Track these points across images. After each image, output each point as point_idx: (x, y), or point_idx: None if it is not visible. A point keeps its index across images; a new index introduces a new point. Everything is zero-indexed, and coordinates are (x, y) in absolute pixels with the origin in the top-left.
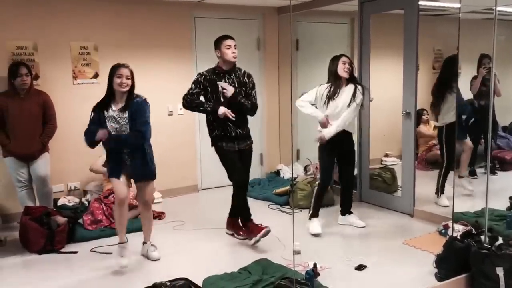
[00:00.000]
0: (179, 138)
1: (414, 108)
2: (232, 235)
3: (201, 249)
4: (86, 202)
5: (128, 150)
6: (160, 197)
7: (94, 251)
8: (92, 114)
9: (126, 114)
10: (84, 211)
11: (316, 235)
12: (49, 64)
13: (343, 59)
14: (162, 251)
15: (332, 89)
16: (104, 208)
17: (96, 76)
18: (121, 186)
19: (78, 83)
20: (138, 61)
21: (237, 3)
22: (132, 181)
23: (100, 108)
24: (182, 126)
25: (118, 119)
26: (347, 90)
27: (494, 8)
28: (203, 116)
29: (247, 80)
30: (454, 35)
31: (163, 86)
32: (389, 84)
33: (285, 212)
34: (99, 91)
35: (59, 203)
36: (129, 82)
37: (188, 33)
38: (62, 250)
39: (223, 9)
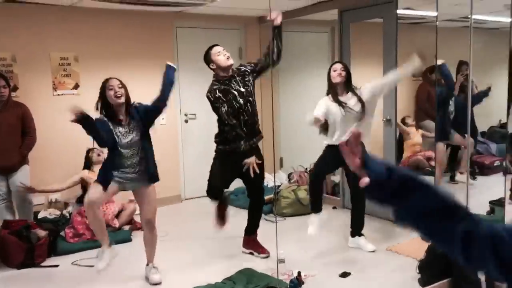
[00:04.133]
0: (162, 147)
1: (394, 115)
2: (251, 253)
3: (185, 260)
4: (67, 215)
5: (137, 157)
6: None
7: (76, 264)
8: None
9: (133, 123)
10: (66, 224)
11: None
12: (28, 75)
13: (334, 66)
14: (144, 263)
15: (334, 98)
16: (86, 221)
17: (76, 87)
18: (99, 190)
19: (58, 94)
20: (120, 72)
21: (218, 13)
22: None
23: (106, 118)
24: (164, 136)
25: (126, 131)
26: (353, 100)
27: (470, 16)
28: (185, 125)
29: (246, 68)
30: (432, 43)
31: (145, 96)
32: None
33: (269, 220)
34: (79, 102)
35: (40, 216)
36: (123, 90)
37: (170, 43)
38: (43, 264)
39: (205, 19)
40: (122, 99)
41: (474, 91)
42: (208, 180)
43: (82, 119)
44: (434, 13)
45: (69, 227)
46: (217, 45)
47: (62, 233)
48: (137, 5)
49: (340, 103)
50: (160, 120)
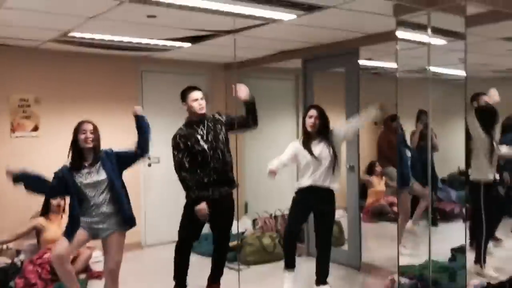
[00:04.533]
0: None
1: (357, 162)
2: None
3: None
4: (19, 263)
5: (107, 200)
6: (100, 255)
7: None
8: (56, 173)
9: (97, 165)
10: (16, 273)
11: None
12: None
13: (310, 112)
14: None
15: (304, 144)
16: (39, 270)
17: (36, 129)
18: (65, 243)
19: (16, 136)
20: (83, 115)
21: (184, 58)
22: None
23: (70, 168)
24: (126, 180)
25: (88, 172)
26: (319, 147)
27: (427, 68)
28: (148, 169)
29: (220, 117)
30: (393, 92)
31: (107, 141)
32: None
33: (232, 268)
34: (39, 144)
35: None
36: (93, 136)
37: (135, 87)
38: None
39: (171, 64)
40: (91, 144)
41: (434, 139)
42: (178, 231)
43: (18, 179)
44: (394, 65)
45: (20, 276)
46: (198, 89)
47: (11, 283)
48: (102, 48)
49: (309, 151)
50: None
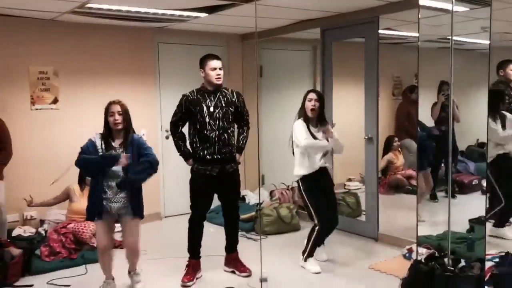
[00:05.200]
0: None
1: (376, 133)
2: (233, 272)
3: (165, 279)
4: (43, 232)
5: (120, 182)
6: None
7: (51, 284)
8: (88, 142)
9: (128, 151)
10: (41, 242)
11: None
12: (5, 89)
13: (310, 95)
14: (124, 281)
15: (306, 127)
16: (63, 239)
17: (55, 101)
18: (103, 233)
19: (37, 109)
20: (100, 87)
21: (200, 29)
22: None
23: (101, 138)
24: None
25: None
26: (321, 134)
27: (450, 37)
28: (166, 142)
29: (235, 99)
30: (412, 62)
31: None
32: (351, 110)
33: (250, 238)
34: (58, 117)
35: (14, 233)
36: (122, 118)
37: (151, 59)
38: (16, 283)
39: (187, 35)
40: (120, 126)
41: (455, 111)
42: (190, 205)
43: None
44: (414, 34)
45: (44, 245)
46: (218, 58)
47: (37, 252)
48: (118, 20)
49: (314, 137)
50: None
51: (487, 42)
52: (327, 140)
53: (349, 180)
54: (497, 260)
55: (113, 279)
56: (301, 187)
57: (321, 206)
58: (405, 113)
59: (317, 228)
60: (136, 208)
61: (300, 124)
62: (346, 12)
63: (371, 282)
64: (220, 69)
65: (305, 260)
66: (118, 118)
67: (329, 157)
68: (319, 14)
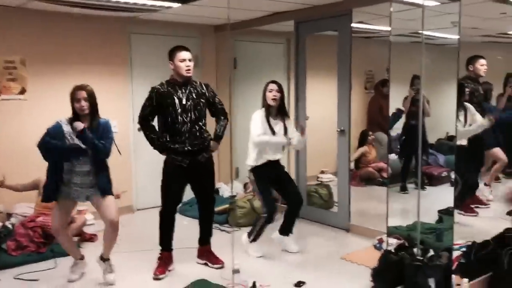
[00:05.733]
0: (113, 157)
1: (348, 126)
2: (206, 264)
3: (137, 272)
4: (10, 226)
5: (85, 166)
6: (92, 218)
7: (19, 278)
8: (52, 125)
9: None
10: (8, 236)
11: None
12: None
13: (270, 86)
14: (96, 274)
15: (265, 118)
16: (31, 234)
17: (23, 91)
18: (57, 215)
19: (3, 99)
20: (70, 78)
21: (174, 20)
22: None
23: (68, 124)
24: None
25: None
26: (279, 126)
27: (421, 32)
28: (138, 134)
29: (205, 90)
30: (384, 56)
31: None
32: (325, 103)
33: (224, 230)
34: (26, 108)
35: None
36: (88, 104)
37: (123, 49)
38: None
39: (160, 26)
40: (86, 112)
41: (426, 105)
42: (161, 197)
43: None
44: (386, 28)
45: (11, 239)
46: (187, 50)
47: (3, 246)
48: (89, 8)
49: (271, 129)
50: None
51: (457, 37)
52: (285, 132)
53: (322, 172)
54: (464, 249)
55: (81, 258)
56: (252, 177)
57: (269, 194)
58: (377, 106)
59: (265, 215)
60: (104, 188)
61: (258, 116)
62: (320, 5)
63: (342, 273)
64: (190, 60)
65: (250, 242)
66: (84, 104)
67: (281, 149)
68: (292, 6)
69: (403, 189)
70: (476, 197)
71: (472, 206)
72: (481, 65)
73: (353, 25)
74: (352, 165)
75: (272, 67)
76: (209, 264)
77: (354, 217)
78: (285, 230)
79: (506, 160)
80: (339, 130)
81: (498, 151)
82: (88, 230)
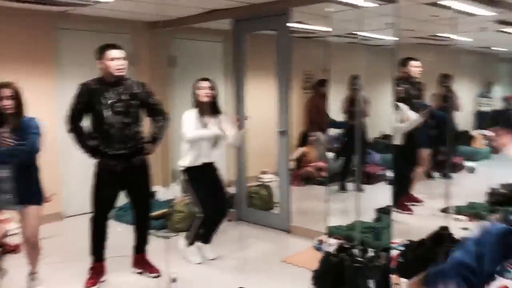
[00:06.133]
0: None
1: (288, 127)
2: (141, 273)
3: (67, 284)
4: None
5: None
6: (15, 228)
7: None
8: None
9: (17, 137)
10: None
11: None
12: None
13: (201, 84)
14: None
15: (199, 117)
16: None
17: None
18: None
19: None
20: None
21: (105, 15)
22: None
23: None
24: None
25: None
26: (212, 123)
27: (357, 32)
28: (66, 135)
29: (140, 90)
30: (323, 56)
31: None
32: (265, 103)
33: (161, 237)
34: None
35: None
36: (13, 102)
37: (51, 45)
38: None
39: (91, 21)
40: (10, 111)
41: (365, 105)
42: (91, 204)
43: None
44: (324, 28)
45: None
46: (118, 48)
47: None
48: (12, 1)
49: (205, 127)
50: None
51: (392, 38)
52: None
53: (263, 172)
54: (401, 248)
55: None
56: (185, 178)
57: (205, 194)
58: (315, 106)
59: (200, 216)
60: (29, 195)
61: (189, 116)
62: (258, 3)
63: (284, 276)
64: (122, 59)
65: (188, 246)
66: (7, 103)
67: (216, 150)
68: (230, 4)
69: (342, 188)
70: (411, 195)
71: (407, 203)
72: (414, 67)
73: (291, 24)
74: (293, 164)
75: (211, 66)
76: (145, 273)
77: (295, 218)
78: (205, 238)
79: (428, 165)
80: (279, 130)
81: (424, 154)
82: (10, 240)
